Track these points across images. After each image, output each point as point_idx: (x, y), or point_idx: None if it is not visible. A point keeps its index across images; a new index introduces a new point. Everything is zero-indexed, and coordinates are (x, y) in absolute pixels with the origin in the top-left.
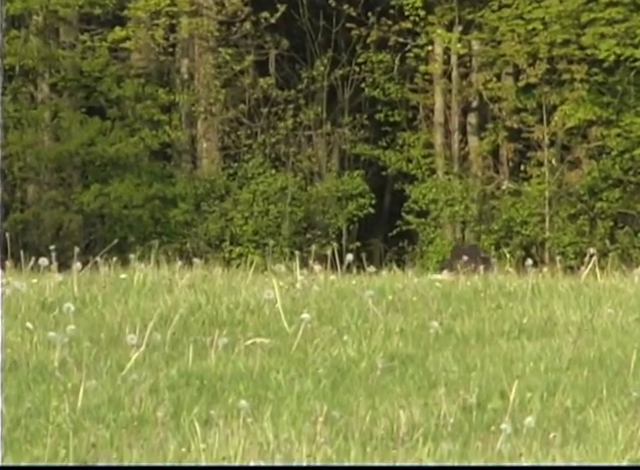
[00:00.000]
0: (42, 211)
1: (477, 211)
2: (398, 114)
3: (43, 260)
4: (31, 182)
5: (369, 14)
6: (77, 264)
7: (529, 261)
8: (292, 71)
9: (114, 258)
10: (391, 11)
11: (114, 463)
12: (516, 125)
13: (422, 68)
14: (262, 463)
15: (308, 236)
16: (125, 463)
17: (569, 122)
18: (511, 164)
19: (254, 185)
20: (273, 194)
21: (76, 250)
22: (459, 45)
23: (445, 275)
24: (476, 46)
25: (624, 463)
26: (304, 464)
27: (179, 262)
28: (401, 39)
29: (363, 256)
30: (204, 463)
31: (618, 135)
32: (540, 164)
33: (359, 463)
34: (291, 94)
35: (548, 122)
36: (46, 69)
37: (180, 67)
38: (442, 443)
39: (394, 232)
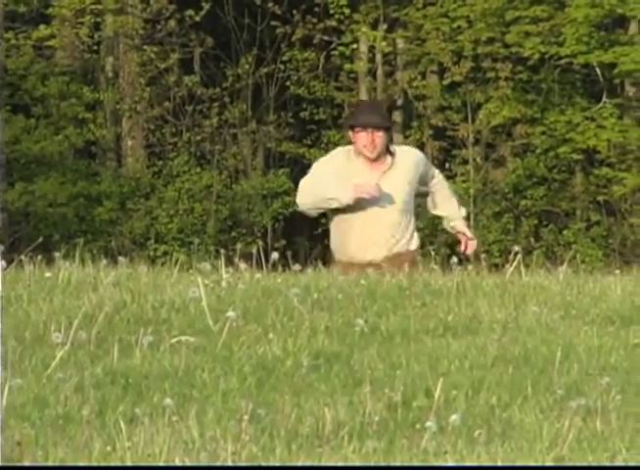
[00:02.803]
0: None
1: None
2: (323, 112)
3: None
4: None
5: (294, 12)
6: (2, 263)
7: (454, 259)
8: (217, 69)
9: (39, 257)
10: (316, 9)
11: (40, 461)
12: (441, 124)
13: (347, 66)
14: (187, 461)
15: (233, 234)
16: (50, 461)
17: (493, 121)
18: (436, 162)
19: (180, 183)
20: (198, 192)
21: (1, 248)
22: (384, 43)
23: None
24: (400, 44)
25: (549, 460)
26: (229, 462)
27: (104, 261)
28: (326, 37)
29: (289, 254)
30: (129, 461)
31: (543, 133)
32: (465, 162)
33: (285, 461)
34: (216, 92)
35: (473, 121)
36: None
37: (105, 65)
38: (368, 441)
39: (320, 230)
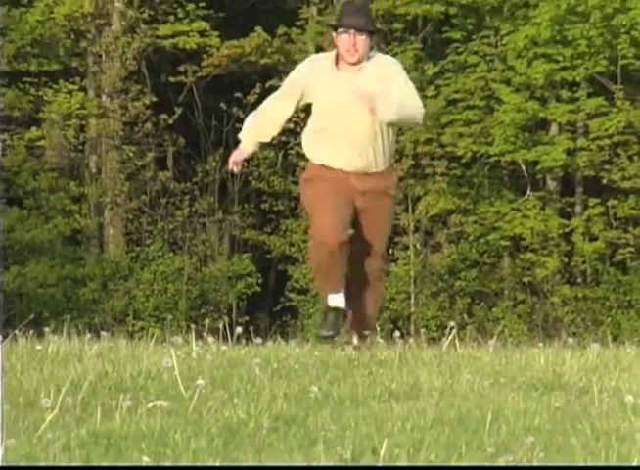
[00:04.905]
0: None
1: None
2: (282, 203)
3: None
4: None
5: None
6: None
7: (397, 333)
8: (187, 166)
9: (31, 332)
10: None
11: None
12: None
13: (302, 163)
14: None
15: (202, 311)
16: None
17: (431, 211)
18: None
19: (155, 266)
20: (171, 274)
21: None
22: None
23: None
24: None
25: None
26: None
27: (88, 335)
28: (284, 138)
29: (251, 328)
30: None
31: (475, 222)
32: (406, 247)
33: None
34: (187, 186)
35: (413, 211)
36: None
37: (89, 162)
38: None
39: (278, 308)
